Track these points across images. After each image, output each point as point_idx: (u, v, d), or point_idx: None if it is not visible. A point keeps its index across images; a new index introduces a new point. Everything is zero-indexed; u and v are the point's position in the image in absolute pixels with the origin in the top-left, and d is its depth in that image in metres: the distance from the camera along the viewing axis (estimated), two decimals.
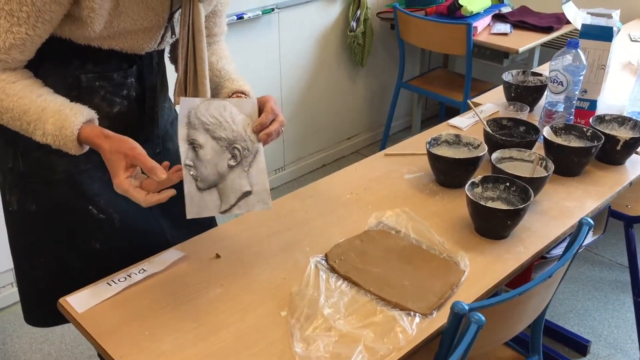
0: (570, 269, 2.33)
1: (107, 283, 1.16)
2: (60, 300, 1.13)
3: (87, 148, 1.11)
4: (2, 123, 1.09)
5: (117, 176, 1.04)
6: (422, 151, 1.52)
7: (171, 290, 1.15)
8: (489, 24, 2.87)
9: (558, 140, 1.57)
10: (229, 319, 1.08)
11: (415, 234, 1.30)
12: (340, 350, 1.01)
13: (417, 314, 1.09)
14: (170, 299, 1.13)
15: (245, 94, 1.28)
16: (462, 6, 2.75)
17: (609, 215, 1.56)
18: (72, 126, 1.06)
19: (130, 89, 1.24)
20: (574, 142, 1.57)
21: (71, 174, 1.22)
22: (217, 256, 1.24)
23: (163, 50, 1.33)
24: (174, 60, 1.34)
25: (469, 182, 1.34)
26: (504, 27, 2.79)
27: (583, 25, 1.68)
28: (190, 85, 1.20)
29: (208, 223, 1.41)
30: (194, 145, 1.11)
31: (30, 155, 1.20)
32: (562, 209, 1.42)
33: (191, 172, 1.10)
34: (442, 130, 1.74)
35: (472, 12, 2.76)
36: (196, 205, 1.10)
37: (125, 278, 1.17)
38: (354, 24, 2.96)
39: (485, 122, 1.58)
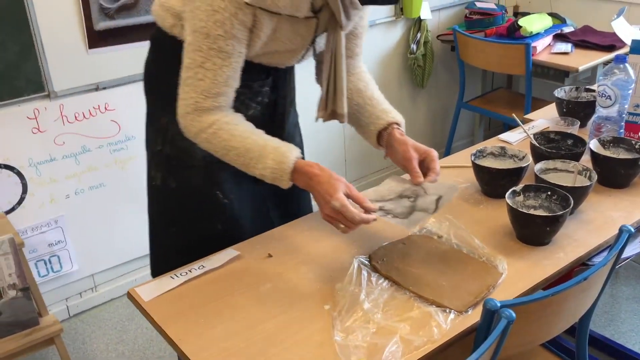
0: (633, 289, 2.29)
1: (171, 277, 1.29)
2: (130, 290, 1.26)
3: (291, 183, 1.26)
4: (226, 159, 1.29)
5: (337, 192, 1.20)
6: (470, 164, 1.58)
7: (225, 285, 1.26)
8: (549, 44, 2.89)
9: (606, 153, 1.59)
10: (276, 310, 1.18)
11: (456, 239, 1.36)
12: (377, 341, 1.09)
13: (452, 310, 1.15)
14: (224, 292, 1.24)
15: (398, 124, 1.43)
16: (521, 27, 2.79)
17: None
18: (289, 161, 1.24)
19: (265, 96, 1.43)
20: (623, 155, 1.59)
21: (207, 161, 1.40)
22: (269, 256, 1.35)
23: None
24: (319, 81, 1.49)
25: (510, 190, 1.39)
26: (565, 47, 2.80)
27: (633, 41, 1.70)
28: (330, 102, 1.37)
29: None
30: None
31: (176, 143, 1.42)
32: (607, 218, 1.44)
33: (383, 215, 1.25)
34: (491, 144, 1.79)
35: (531, 32, 2.79)
36: (407, 224, 1.21)
37: (187, 273, 1.29)
38: (414, 46, 3.05)
39: (531, 135, 1.63)
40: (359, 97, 1.48)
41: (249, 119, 1.39)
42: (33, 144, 2.18)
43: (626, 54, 1.65)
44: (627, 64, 1.62)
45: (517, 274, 1.26)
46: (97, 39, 2.18)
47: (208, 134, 1.27)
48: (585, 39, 2.83)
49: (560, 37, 2.93)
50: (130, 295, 1.26)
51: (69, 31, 2.13)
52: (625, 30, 1.93)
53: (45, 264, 2.33)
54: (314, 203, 1.41)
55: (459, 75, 3.18)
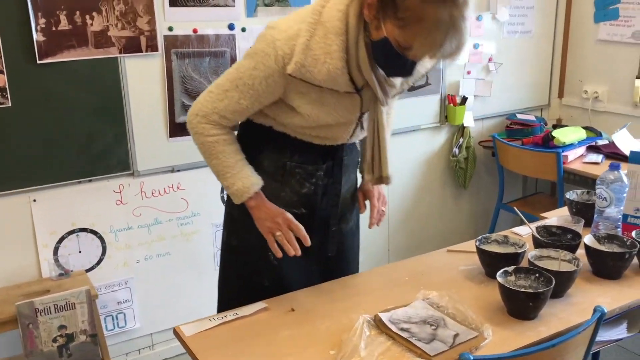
0: None
1: (209, 319, 1.57)
2: (175, 327, 1.55)
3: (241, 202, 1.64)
4: (207, 162, 1.65)
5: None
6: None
7: (252, 329, 1.53)
8: (582, 154, 3.12)
9: (600, 247, 1.79)
10: (291, 351, 1.43)
11: (452, 309, 1.58)
12: None
13: None
14: (250, 334, 1.51)
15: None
16: (555, 137, 3.04)
17: None
18: (253, 190, 1.62)
19: (319, 179, 1.74)
20: (616, 250, 1.78)
21: None
22: (292, 310, 1.61)
23: (355, 154, 1.82)
24: (363, 146, 1.82)
25: (502, 270, 1.61)
26: (596, 157, 3.02)
27: (631, 152, 1.93)
28: (376, 167, 1.67)
29: None
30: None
31: (241, 206, 1.69)
32: (593, 303, 1.61)
33: (409, 337, 1.45)
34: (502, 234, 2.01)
35: (564, 142, 3.04)
36: (429, 349, 1.42)
37: (223, 317, 1.58)
38: (456, 150, 3.35)
39: (533, 228, 1.85)
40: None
41: (304, 195, 1.71)
42: (115, 213, 2.58)
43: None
44: (620, 171, 1.84)
45: (500, 341, 1.46)
46: (176, 129, 2.62)
47: (206, 140, 1.62)
48: (617, 151, 3.03)
49: (593, 149, 3.15)
50: (175, 332, 1.55)
51: (155, 122, 2.58)
52: (625, 142, 2.14)
53: (113, 319, 2.66)
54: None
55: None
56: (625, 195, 1.85)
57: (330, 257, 1.84)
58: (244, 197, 1.62)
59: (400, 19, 1.38)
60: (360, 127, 1.69)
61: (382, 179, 1.67)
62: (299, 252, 1.58)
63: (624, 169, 1.88)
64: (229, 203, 1.81)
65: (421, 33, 1.37)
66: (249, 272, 1.78)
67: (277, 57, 1.50)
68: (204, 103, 1.61)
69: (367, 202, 1.88)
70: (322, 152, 1.71)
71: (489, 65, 3.44)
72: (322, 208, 1.73)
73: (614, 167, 1.85)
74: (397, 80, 1.63)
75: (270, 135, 1.68)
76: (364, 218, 1.92)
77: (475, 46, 3.36)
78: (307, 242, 1.60)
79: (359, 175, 1.89)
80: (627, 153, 2.02)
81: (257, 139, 1.70)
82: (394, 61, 1.47)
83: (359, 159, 1.87)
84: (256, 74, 1.53)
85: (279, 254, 1.59)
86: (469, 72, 3.37)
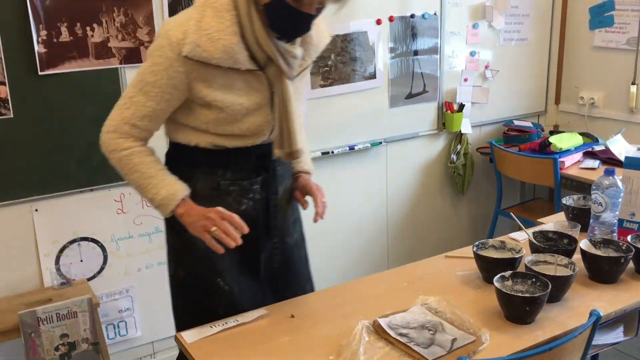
0: None
1: (210, 326, 1.59)
2: (177, 334, 1.58)
3: (171, 213, 1.59)
4: (128, 178, 1.61)
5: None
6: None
7: (253, 335, 1.55)
8: (579, 160, 3.14)
9: (596, 252, 1.81)
10: (290, 357, 1.46)
11: (450, 314, 1.60)
12: None
13: None
14: (251, 340, 1.53)
15: (307, 173, 1.76)
16: (551, 143, 3.07)
17: (639, 319, 1.73)
18: (179, 196, 1.58)
19: (255, 193, 1.71)
20: (612, 254, 1.80)
21: (208, 252, 1.57)
22: (292, 316, 1.63)
23: (289, 164, 1.79)
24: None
25: (499, 275, 1.63)
26: (592, 163, 3.05)
27: (626, 158, 1.95)
28: (285, 142, 1.64)
29: None
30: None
31: (180, 234, 1.66)
32: (590, 307, 1.63)
33: (408, 342, 1.47)
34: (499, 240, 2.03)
35: (561, 148, 3.07)
36: (427, 354, 1.45)
37: (224, 324, 1.60)
38: (454, 156, 3.38)
39: (530, 233, 1.88)
40: None
41: (243, 212, 1.65)
42: (116, 222, 2.60)
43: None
44: (615, 176, 1.87)
45: (498, 345, 1.48)
46: None
47: (122, 155, 1.58)
48: (613, 157, 3.05)
49: (590, 155, 3.18)
50: (176, 339, 1.57)
51: None
52: (620, 147, 2.17)
53: (114, 327, 2.68)
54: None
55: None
56: (620, 200, 1.87)
57: (280, 272, 1.81)
58: (171, 206, 1.57)
59: None
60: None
61: (292, 153, 1.64)
62: (240, 241, 1.53)
63: (619, 174, 1.91)
64: (168, 233, 1.77)
65: None
66: (201, 303, 1.72)
67: (172, 44, 1.50)
68: (112, 117, 1.59)
69: (309, 199, 1.84)
70: (255, 165, 1.69)
71: (486, 73, 3.47)
72: (263, 222, 1.72)
73: (608, 173, 1.87)
74: (298, 51, 1.62)
75: (198, 156, 1.64)
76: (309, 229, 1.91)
77: (472, 54, 3.39)
78: (245, 229, 1.55)
79: None
80: (622, 158, 2.04)
81: (186, 163, 1.66)
82: (291, 19, 1.50)
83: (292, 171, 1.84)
84: (156, 70, 1.52)
85: (221, 250, 1.54)
86: (466, 80, 3.40)
